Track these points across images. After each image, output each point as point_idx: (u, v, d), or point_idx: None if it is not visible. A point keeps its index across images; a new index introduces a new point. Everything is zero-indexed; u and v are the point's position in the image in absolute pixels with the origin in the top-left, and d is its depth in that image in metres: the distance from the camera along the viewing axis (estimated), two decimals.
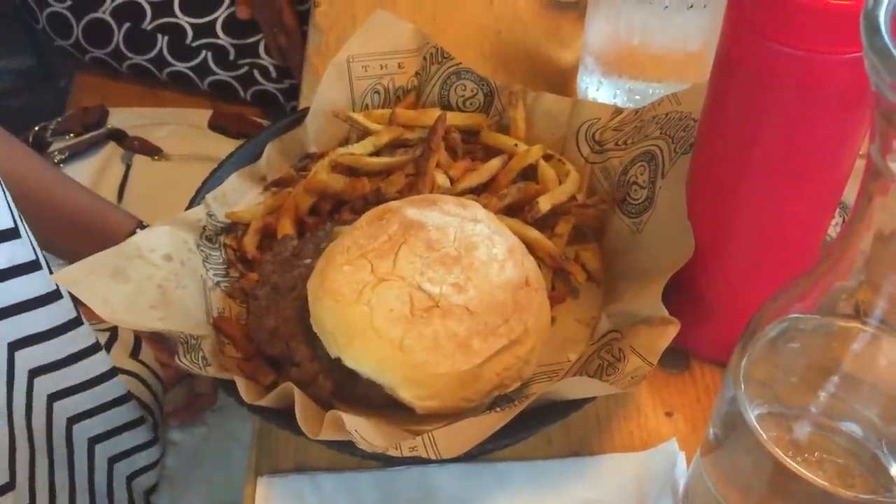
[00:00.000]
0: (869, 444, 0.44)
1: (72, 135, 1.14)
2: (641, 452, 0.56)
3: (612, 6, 0.69)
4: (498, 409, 0.53)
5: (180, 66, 1.20)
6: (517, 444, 0.56)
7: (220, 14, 1.17)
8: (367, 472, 0.56)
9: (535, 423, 0.52)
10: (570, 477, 0.56)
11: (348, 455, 0.57)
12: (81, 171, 1.08)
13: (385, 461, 0.56)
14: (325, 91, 0.67)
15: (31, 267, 0.60)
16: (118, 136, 1.11)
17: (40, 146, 1.14)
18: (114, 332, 0.79)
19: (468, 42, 0.85)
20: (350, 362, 0.51)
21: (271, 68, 1.18)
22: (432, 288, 0.50)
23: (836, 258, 0.40)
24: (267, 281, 0.56)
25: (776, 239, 0.54)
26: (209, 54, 1.18)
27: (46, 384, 0.66)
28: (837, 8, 0.43)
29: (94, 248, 0.57)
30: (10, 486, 0.63)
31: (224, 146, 1.14)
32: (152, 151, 1.09)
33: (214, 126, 1.17)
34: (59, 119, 1.17)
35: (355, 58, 0.68)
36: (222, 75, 1.20)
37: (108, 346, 0.80)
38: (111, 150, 1.10)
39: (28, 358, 0.62)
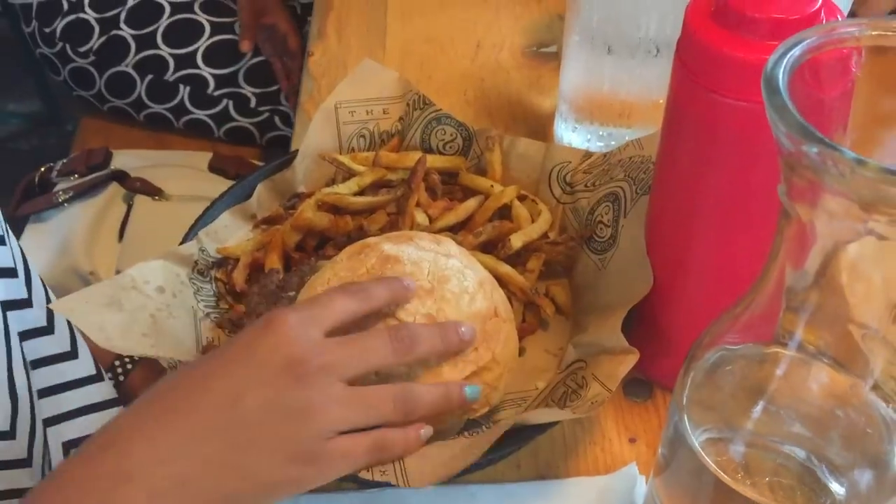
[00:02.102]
0: (808, 464, 0.48)
1: (76, 175, 1.19)
2: (605, 476, 0.60)
3: (583, 57, 0.73)
4: (467, 433, 0.56)
5: (200, 115, 1.25)
6: (487, 469, 0.59)
7: (243, 65, 1.22)
8: (345, 493, 0.59)
9: (504, 445, 0.55)
10: (538, 499, 0.59)
11: None
12: (84, 211, 1.13)
13: (361, 483, 0.59)
14: (314, 135, 0.71)
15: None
16: (121, 177, 1.16)
17: (45, 186, 1.19)
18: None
19: (453, 88, 0.90)
20: None
21: (291, 114, 1.24)
22: (407, 317, 0.54)
23: (760, 290, 0.44)
24: (254, 311, 0.60)
25: (726, 273, 0.58)
26: (230, 102, 1.23)
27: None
28: None
29: None
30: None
31: (223, 188, 1.19)
32: (153, 192, 1.14)
33: (214, 168, 1.22)
34: (65, 160, 1.22)
35: (343, 104, 0.72)
36: (242, 122, 1.25)
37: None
38: (114, 190, 1.15)
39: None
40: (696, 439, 0.47)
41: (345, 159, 0.69)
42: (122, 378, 0.80)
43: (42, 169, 1.21)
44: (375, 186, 0.69)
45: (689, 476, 0.49)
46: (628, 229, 0.62)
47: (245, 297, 0.64)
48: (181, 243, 0.66)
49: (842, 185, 0.32)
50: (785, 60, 0.34)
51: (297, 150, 0.72)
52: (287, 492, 0.48)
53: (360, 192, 0.68)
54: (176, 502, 0.45)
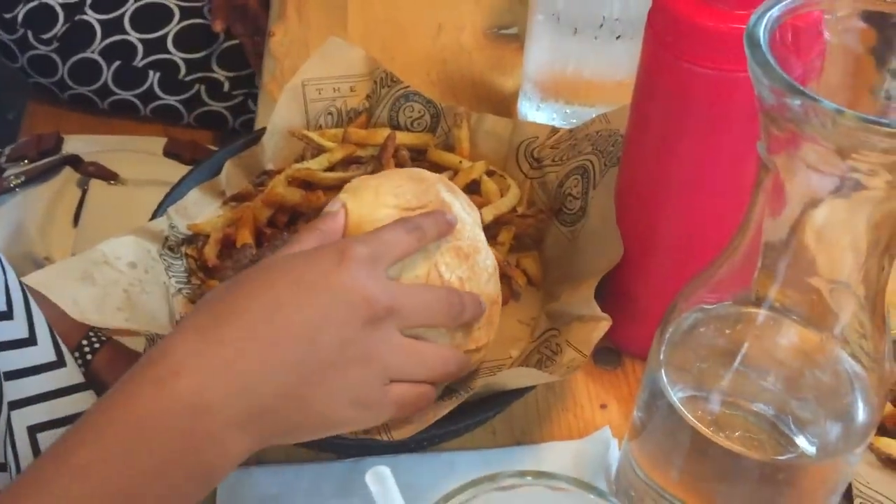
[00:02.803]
0: (776, 420, 0.50)
1: (26, 161, 1.17)
2: (579, 440, 0.61)
3: (547, 37, 0.75)
4: (445, 398, 0.57)
5: (170, 100, 1.23)
6: (464, 436, 0.60)
7: (215, 49, 1.21)
8: (325, 463, 0.60)
9: (480, 411, 0.56)
10: (514, 463, 0.60)
11: (304, 449, 0.60)
12: (38, 196, 1.10)
13: (339, 452, 0.60)
14: (282, 112, 0.71)
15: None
16: (74, 162, 1.13)
17: None
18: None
19: (416, 69, 0.91)
20: None
21: None
22: (446, 272, 0.54)
23: (735, 249, 0.45)
24: None
25: (694, 242, 0.60)
26: (202, 87, 1.22)
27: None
28: (742, 31, 0.49)
29: None
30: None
31: (179, 172, 1.17)
32: (109, 176, 1.12)
33: (169, 153, 1.21)
34: (13, 146, 1.19)
35: (310, 81, 0.72)
36: (215, 106, 1.24)
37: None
38: (67, 175, 1.13)
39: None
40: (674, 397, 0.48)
41: (314, 135, 0.69)
42: (89, 357, 0.79)
43: None
44: (345, 163, 0.69)
45: (665, 435, 0.51)
46: (597, 201, 0.63)
47: (218, 273, 0.64)
48: (151, 219, 0.66)
49: (822, 135, 0.33)
50: (764, 21, 0.36)
51: (263, 128, 0.72)
52: (341, 429, 0.50)
53: (330, 168, 0.69)
54: (249, 433, 0.45)
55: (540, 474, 0.36)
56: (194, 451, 0.44)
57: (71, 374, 0.74)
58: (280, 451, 0.60)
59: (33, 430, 0.73)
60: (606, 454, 0.60)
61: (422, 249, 0.53)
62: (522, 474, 0.36)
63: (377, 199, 0.56)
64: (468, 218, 0.57)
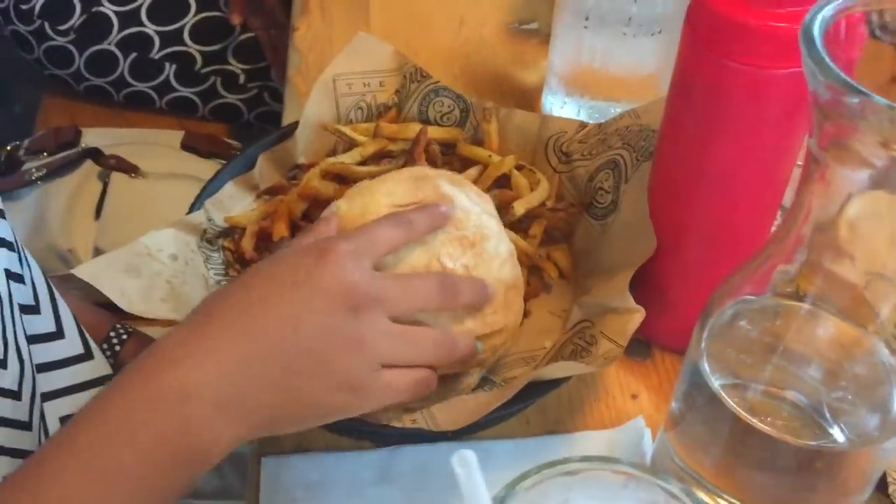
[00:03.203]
0: (811, 410, 0.51)
1: (45, 154, 1.17)
2: (611, 430, 0.62)
3: (575, 32, 0.76)
4: (485, 389, 0.58)
5: (185, 92, 1.24)
6: (499, 425, 0.61)
7: (231, 42, 1.22)
8: (364, 451, 0.61)
9: (516, 401, 0.57)
10: (548, 452, 0.61)
11: (345, 437, 0.61)
12: (59, 189, 1.11)
13: (379, 441, 0.61)
14: (313, 107, 0.72)
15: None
16: (95, 155, 1.14)
17: (12, 165, 1.17)
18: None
19: (438, 64, 0.91)
20: None
21: (281, 88, 1.23)
22: (448, 262, 0.55)
23: (780, 242, 0.46)
24: None
25: (726, 237, 0.61)
26: (218, 80, 1.23)
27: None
28: (781, 29, 0.50)
29: None
30: None
31: (198, 165, 1.19)
32: (129, 169, 1.13)
33: (187, 146, 1.22)
34: (31, 138, 1.20)
35: (340, 76, 0.73)
36: (230, 98, 1.25)
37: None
38: (88, 168, 1.13)
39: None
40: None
41: (347, 130, 0.70)
42: (117, 349, 0.80)
43: (8, 147, 1.19)
44: (377, 157, 0.70)
45: (704, 424, 0.52)
46: (630, 195, 0.64)
47: (253, 264, 0.65)
48: (188, 213, 0.67)
49: (872, 129, 0.35)
50: (819, 18, 0.37)
51: (295, 123, 0.73)
52: (332, 417, 0.51)
53: (363, 162, 0.70)
54: (233, 420, 0.47)
55: (605, 459, 0.37)
56: (177, 433, 0.46)
57: (99, 365, 0.75)
58: (320, 439, 0.61)
59: (65, 420, 0.74)
60: (640, 443, 0.61)
61: (421, 242, 0.55)
62: (588, 459, 0.37)
63: (371, 200, 0.57)
64: (475, 208, 0.58)
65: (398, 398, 0.52)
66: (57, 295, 0.73)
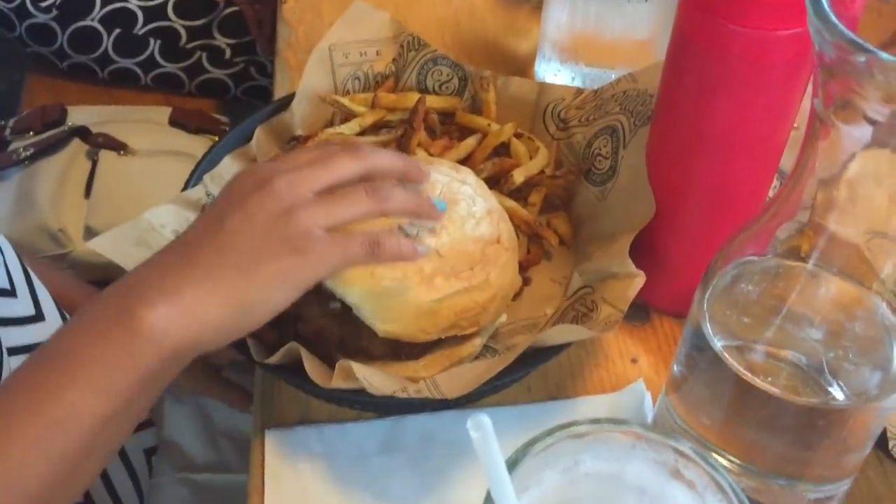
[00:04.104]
0: (812, 370, 0.52)
1: (32, 133, 1.16)
2: (612, 394, 0.63)
3: None
4: (487, 355, 0.59)
5: (171, 68, 1.23)
6: (501, 392, 0.62)
7: (216, 16, 1.20)
8: (367, 421, 0.61)
9: (518, 368, 0.57)
10: (551, 417, 0.62)
11: (347, 408, 0.62)
12: (48, 168, 1.10)
13: (381, 411, 0.61)
14: (310, 77, 0.72)
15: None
16: (82, 133, 1.13)
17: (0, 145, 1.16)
18: None
19: (429, 33, 0.90)
20: (328, 282, 0.56)
21: (267, 63, 1.23)
22: (410, 229, 0.56)
23: (782, 203, 0.47)
24: None
25: (725, 200, 0.61)
26: (204, 55, 1.21)
27: None
28: None
29: None
30: None
31: (186, 141, 1.18)
32: (118, 147, 1.12)
33: (174, 122, 1.21)
34: (17, 118, 1.19)
35: (336, 46, 0.73)
36: (216, 73, 1.23)
37: None
38: (76, 146, 1.12)
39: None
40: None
41: (345, 101, 0.70)
42: None
43: None
44: (375, 127, 0.70)
45: (706, 385, 0.52)
46: (628, 160, 0.64)
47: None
48: (184, 188, 0.67)
49: (877, 86, 0.35)
50: None
51: (291, 95, 0.73)
52: (288, 283, 0.52)
53: (361, 133, 0.69)
54: (175, 304, 0.49)
55: (615, 421, 0.38)
56: (120, 320, 0.48)
57: None
58: (324, 410, 0.62)
59: None
60: (641, 406, 0.61)
61: (379, 218, 0.55)
62: (598, 421, 0.37)
63: None
64: (443, 178, 0.59)
65: (353, 257, 0.53)
66: (34, 278, 0.73)
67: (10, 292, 0.71)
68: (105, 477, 0.77)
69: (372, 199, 0.54)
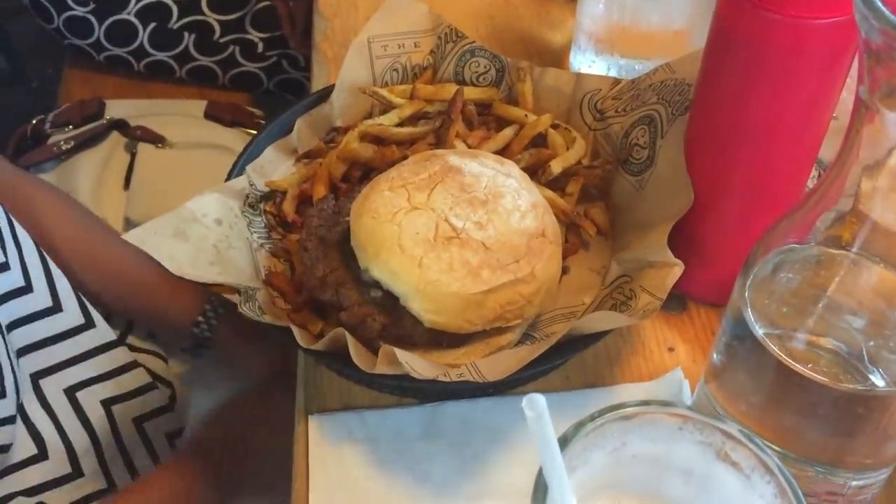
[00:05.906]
0: (851, 358, 0.52)
1: (71, 126, 1.18)
2: (650, 381, 0.63)
3: None
4: (527, 343, 0.59)
5: (205, 61, 1.25)
6: (539, 380, 0.63)
7: (249, 10, 1.22)
8: (408, 408, 0.62)
9: (557, 355, 0.58)
10: (589, 405, 0.61)
11: (388, 394, 0.63)
12: (88, 161, 1.12)
13: (422, 397, 0.62)
14: (349, 69, 0.73)
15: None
16: (121, 126, 1.15)
17: (39, 138, 1.18)
18: (129, 323, 0.89)
19: (464, 25, 0.90)
20: (374, 272, 0.57)
21: (300, 57, 1.24)
22: (457, 222, 0.57)
23: (825, 190, 0.47)
24: (314, 234, 0.62)
25: (763, 189, 0.61)
26: (237, 48, 1.23)
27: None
28: None
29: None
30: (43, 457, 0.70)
31: (222, 134, 1.20)
32: (156, 139, 1.14)
33: (210, 115, 1.23)
34: (56, 112, 1.21)
35: (375, 38, 0.74)
36: (249, 67, 1.25)
37: (126, 334, 0.87)
38: (115, 139, 1.15)
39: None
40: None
41: (384, 92, 0.71)
42: (207, 334, 0.82)
43: (34, 121, 1.20)
44: (414, 118, 0.71)
45: (746, 372, 0.53)
46: (666, 149, 0.65)
47: (297, 227, 0.66)
48: (227, 178, 0.68)
49: None
50: None
51: (329, 87, 0.74)
52: None
53: (400, 124, 0.70)
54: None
55: (663, 403, 0.38)
56: None
57: (102, 334, 0.77)
58: (365, 396, 0.63)
59: (71, 391, 0.76)
60: (679, 394, 0.62)
61: (426, 208, 0.56)
62: (646, 403, 0.38)
63: (374, 189, 0.59)
64: (488, 171, 0.60)
65: None
66: (54, 269, 0.75)
67: (27, 289, 0.73)
68: (128, 461, 0.79)
69: None
